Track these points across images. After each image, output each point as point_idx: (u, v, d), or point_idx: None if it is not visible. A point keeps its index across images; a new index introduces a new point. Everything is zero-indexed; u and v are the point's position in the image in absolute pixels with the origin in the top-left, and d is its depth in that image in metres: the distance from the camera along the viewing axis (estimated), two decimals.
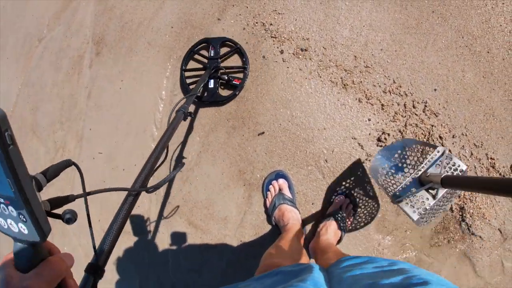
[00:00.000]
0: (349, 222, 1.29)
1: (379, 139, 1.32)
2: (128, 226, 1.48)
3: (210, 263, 1.37)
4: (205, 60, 1.44)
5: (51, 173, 0.41)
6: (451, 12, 1.35)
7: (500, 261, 1.30)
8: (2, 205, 0.36)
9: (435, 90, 1.33)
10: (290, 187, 1.29)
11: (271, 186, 1.29)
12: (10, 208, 0.35)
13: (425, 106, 1.32)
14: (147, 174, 0.64)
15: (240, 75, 1.40)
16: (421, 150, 1.05)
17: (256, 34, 1.41)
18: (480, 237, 1.30)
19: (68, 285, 0.43)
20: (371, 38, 1.36)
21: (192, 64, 1.47)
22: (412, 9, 1.36)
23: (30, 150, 1.86)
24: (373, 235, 1.35)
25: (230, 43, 1.42)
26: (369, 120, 1.32)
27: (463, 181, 0.78)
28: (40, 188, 0.38)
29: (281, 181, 1.28)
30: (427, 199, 0.95)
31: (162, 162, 0.74)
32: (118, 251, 1.52)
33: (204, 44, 1.45)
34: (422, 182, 0.96)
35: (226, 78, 1.38)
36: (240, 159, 1.35)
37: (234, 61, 1.44)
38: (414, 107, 1.32)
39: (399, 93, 1.33)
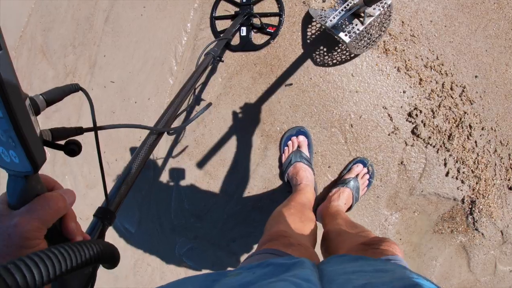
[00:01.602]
0: (362, 192, 1.24)
1: (409, 114, 1.25)
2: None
3: (213, 211, 1.32)
4: (237, 8, 1.34)
5: (53, 95, 0.35)
6: (508, 1, 1.25)
7: (494, 261, 1.32)
8: None
9: (476, 77, 1.25)
10: (309, 146, 1.22)
11: (290, 141, 1.22)
12: (0, 133, 0.29)
13: (463, 91, 1.25)
14: (171, 115, 0.60)
15: (275, 22, 1.29)
16: None
17: None
18: (482, 234, 1.30)
19: (68, 227, 0.37)
20: (422, 7, 1.26)
21: (223, 11, 1.37)
22: None
23: (38, 72, 1.77)
24: (382, 209, 1.31)
25: None
26: (404, 92, 1.24)
27: None
28: (37, 112, 0.33)
29: (301, 138, 1.21)
30: (357, 25, 1.08)
31: (188, 106, 0.69)
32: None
33: None
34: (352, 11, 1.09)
35: (260, 25, 1.28)
36: (262, 108, 1.26)
37: (269, 6, 1.33)
38: (451, 89, 1.25)
39: (440, 71, 1.25)
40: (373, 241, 0.72)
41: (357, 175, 1.21)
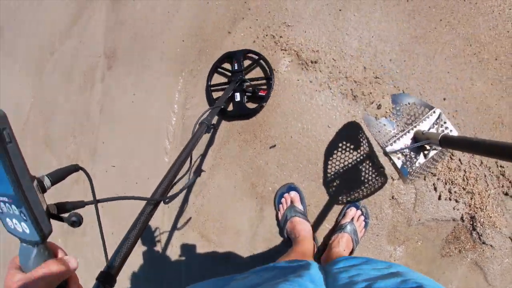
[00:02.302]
0: (361, 234, 1.29)
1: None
2: (141, 237, 1.50)
3: (222, 276, 1.39)
4: (229, 74, 1.45)
5: (56, 175, 0.42)
6: (458, 20, 1.33)
7: (511, 269, 1.30)
8: (6, 204, 0.37)
9: (444, 99, 1.32)
10: (301, 200, 1.30)
11: (283, 199, 1.30)
12: (13, 207, 0.36)
13: None
14: (168, 184, 0.64)
15: (265, 86, 1.40)
16: (417, 107, 1.05)
17: (267, 47, 1.42)
18: (491, 245, 1.29)
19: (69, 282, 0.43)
20: (380, 49, 1.36)
21: (217, 79, 1.48)
22: (420, 18, 1.36)
23: (43, 163, 1.90)
24: (384, 246, 1.35)
25: (253, 55, 1.42)
26: (379, 132, 1.32)
27: (462, 142, 0.79)
28: (43, 190, 0.39)
29: (293, 193, 1.29)
30: (418, 157, 0.97)
31: (186, 173, 0.75)
32: (129, 260, 1.54)
33: (227, 58, 1.46)
34: (416, 140, 0.97)
35: (252, 90, 1.38)
36: (252, 172, 1.36)
37: (258, 72, 1.45)
38: None
39: None
40: None
41: (352, 219, 1.27)
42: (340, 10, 1.39)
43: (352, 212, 1.28)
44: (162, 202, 0.61)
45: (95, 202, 0.45)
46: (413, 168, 0.96)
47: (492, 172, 1.29)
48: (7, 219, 0.39)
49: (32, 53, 2.16)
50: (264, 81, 1.41)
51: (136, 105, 1.58)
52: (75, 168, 0.45)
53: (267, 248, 1.34)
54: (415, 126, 0.99)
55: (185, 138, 1.46)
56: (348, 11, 1.38)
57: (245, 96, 1.39)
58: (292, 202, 1.28)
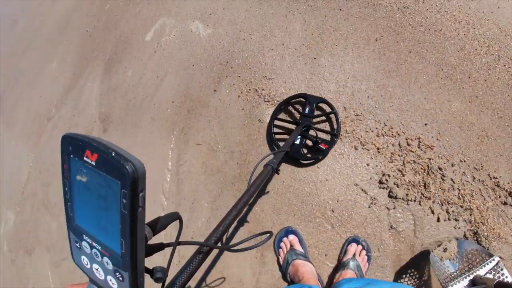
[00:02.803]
0: (365, 269, 1.29)
1: (380, 182, 1.36)
2: None
3: None
4: (297, 116, 1.43)
5: (160, 226, 0.38)
6: (426, 48, 1.43)
7: None
8: (95, 251, 0.32)
9: (425, 124, 1.38)
10: (301, 242, 1.32)
11: (282, 243, 1.32)
12: (106, 260, 0.32)
13: (419, 141, 1.36)
14: (224, 229, 0.60)
15: (327, 139, 1.38)
16: (478, 254, 1.17)
17: (251, 100, 1.52)
18: (500, 257, 1.26)
19: None
20: (356, 88, 1.45)
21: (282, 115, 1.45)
22: (390, 53, 1.46)
23: (43, 225, 1.92)
24: (390, 277, 1.34)
25: (327, 105, 1.40)
26: (368, 165, 1.37)
27: None
28: (147, 239, 0.35)
29: (291, 237, 1.31)
30: None
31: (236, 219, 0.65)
32: None
33: (300, 99, 1.43)
34: (474, 283, 1.09)
35: (314, 139, 1.34)
36: (249, 220, 1.39)
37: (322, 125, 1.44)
38: (408, 144, 1.37)
39: (392, 134, 1.39)
40: None
41: (354, 255, 1.28)
42: (314, 58, 1.50)
43: (353, 247, 1.29)
44: (227, 250, 0.57)
45: (176, 244, 0.42)
46: None
47: (487, 185, 1.31)
48: (83, 258, 0.34)
49: (30, 120, 2.27)
50: (327, 135, 1.40)
51: None
52: (177, 217, 0.41)
53: None
54: (475, 271, 1.11)
55: (180, 195, 1.50)
56: (322, 58, 1.50)
57: (305, 142, 1.37)
58: (291, 245, 1.30)
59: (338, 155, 1.38)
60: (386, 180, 1.35)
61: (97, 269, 0.34)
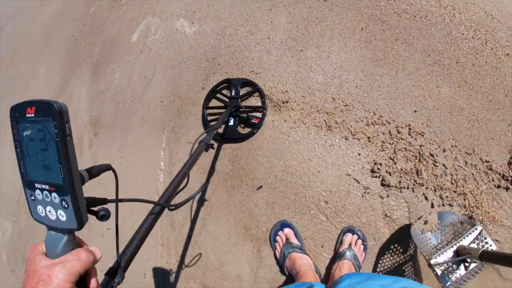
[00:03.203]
0: (361, 258, 1.30)
1: (372, 171, 1.36)
2: None
3: None
4: (227, 100, 1.53)
5: (94, 171, 0.46)
6: (413, 35, 1.43)
7: None
8: (45, 192, 0.40)
9: (415, 111, 1.38)
10: (296, 235, 1.32)
11: (277, 237, 1.32)
12: (54, 194, 0.39)
13: (410, 129, 1.37)
14: (170, 194, 0.70)
15: (259, 115, 1.48)
16: (460, 224, 1.16)
17: (248, 93, 1.50)
18: (497, 240, 1.28)
19: (90, 282, 0.44)
20: (344, 78, 1.45)
21: (214, 103, 1.56)
22: (376, 42, 1.46)
23: (39, 234, 1.92)
24: (386, 266, 1.35)
25: (250, 85, 1.50)
26: (359, 154, 1.37)
27: (501, 257, 0.91)
28: (83, 182, 0.42)
29: (287, 230, 1.32)
30: (460, 269, 1.08)
31: (184, 187, 0.79)
32: None
33: (225, 84, 1.54)
34: (458, 253, 1.08)
35: (246, 116, 1.46)
36: (244, 215, 1.39)
37: (253, 102, 1.52)
38: (399, 132, 1.37)
39: (382, 123, 1.39)
40: None
41: (350, 245, 1.28)
42: (301, 50, 1.49)
43: (349, 237, 1.29)
44: (167, 208, 0.67)
45: (117, 200, 0.49)
46: (454, 279, 1.06)
47: (479, 169, 1.31)
48: (39, 207, 0.41)
49: None
50: (258, 110, 1.49)
51: (125, 167, 1.64)
52: (108, 167, 0.49)
53: None
54: (458, 242, 1.11)
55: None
56: (308, 50, 1.49)
57: (238, 122, 1.47)
58: (287, 238, 1.30)
59: (329, 146, 1.38)
60: (378, 168, 1.36)
61: (49, 211, 0.41)
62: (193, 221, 1.45)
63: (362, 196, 1.35)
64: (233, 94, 1.49)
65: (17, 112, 0.40)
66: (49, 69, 2.33)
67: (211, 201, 1.43)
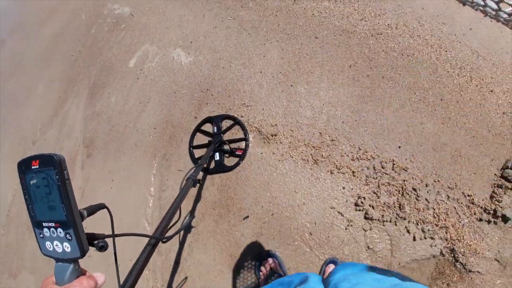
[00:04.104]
0: None
1: (356, 204, 1.40)
2: None
3: None
4: (210, 137, 1.60)
5: (90, 210, 0.52)
6: (399, 73, 1.49)
7: None
8: (51, 229, 0.47)
9: (399, 147, 1.43)
10: (280, 265, 1.35)
11: (262, 267, 1.35)
12: (59, 230, 0.46)
13: (393, 164, 1.42)
14: (163, 227, 0.78)
15: (242, 145, 1.55)
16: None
17: (229, 127, 1.57)
18: (479, 272, 1.29)
19: None
20: (332, 114, 1.51)
21: (199, 140, 1.63)
22: (364, 79, 1.53)
23: (28, 247, 1.90)
24: None
25: (230, 119, 1.58)
26: (344, 188, 1.42)
27: None
28: (82, 219, 0.49)
29: (271, 260, 1.34)
30: None
31: (177, 221, 0.85)
32: None
33: (207, 123, 1.61)
34: None
35: (230, 150, 1.53)
36: (230, 244, 1.42)
37: (235, 133, 1.58)
38: (383, 167, 1.42)
39: (366, 158, 1.44)
40: None
41: None
42: (291, 85, 1.56)
43: (331, 268, 1.32)
44: (161, 241, 0.74)
45: (113, 235, 0.56)
46: None
47: (461, 203, 1.34)
48: (47, 243, 0.48)
49: (16, 142, 2.27)
50: (241, 140, 1.56)
51: (115, 190, 1.66)
52: (102, 206, 0.56)
53: None
54: None
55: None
56: (298, 85, 1.56)
57: (224, 156, 1.54)
58: (271, 268, 1.33)
59: (315, 179, 1.43)
60: (362, 202, 1.40)
61: (56, 245, 0.48)
62: (180, 247, 1.47)
63: (346, 229, 1.39)
64: (215, 131, 1.57)
65: (24, 166, 0.48)
66: (47, 86, 2.37)
67: (198, 228, 1.46)
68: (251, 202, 1.43)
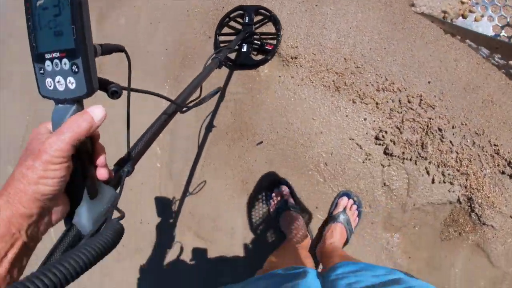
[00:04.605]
0: (354, 224, 1.30)
1: (377, 138, 1.33)
2: (139, 243, 1.52)
3: (222, 274, 1.40)
4: (239, 27, 1.48)
5: (106, 47, 0.43)
6: None
7: None
8: (55, 61, 0.38)
9: (429, 82, 1.32)
10: (292, 194, 1.31)
11: (273, 194, 1.32)
12: (64, 60, 0.37)
13: (421, 99, 1.32)
14: (186, 96, 0.71)
15: (273, 42, 1.43)
16: None
17: (262, 21, 1.43)
18: (492, 226, 1.27)
19: (96, 147, 0.41)
20: (359, 39, 1.38)
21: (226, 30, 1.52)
22: (397, 4, 1.38)
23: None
24: (381, 234, 1.35)
25: (265, 12, 1.44)
26: (365, 119, 1.33)
27: None
28: (95, 53, 0.40)
29: (283, 188, 1.31)
30: None
31: (198, 98, 0.75)
32: (131, 268, 1.56)
33: (239, 12, 1.48)
34: None
35: (259, 43, 1.41)
36: (242, 169, 1.38)
37: (268, 29, 1.46)
38: (409, 102, 1.32)
39: (393, 90, 1.34)
40: None
41: (344, 209, 1.27)
42: (316, 5, 1.41)
43: (344, 201, 1.29)
44: (180, 109, 0.66)
45: (129, 89, 0.47)
46: None
47: (486, 152, 1.27)
48: (48, 80, 0.39)
49: (25, 75, 2.22)
50: (273, 37, 1.44)
51: (122, 118, 1.61)
52: (120, 49, 0.46)
53: (263, 243, 1.35)
54: None
55: (174, 144, 1.49)
56: (324, 6, 1.41)
57: (252, 48, 1.43)
58: (282, 196, 1.29)
59: (335, 107, 1.34)
60: (383, 136, 1.32)
61: (58, 81, 0.38)
62: (191, 172, 1.45)
63: (363, 162, 1.32)
64: (246, 21, 1.43)
65: None
66: None
67: (210, 152, 1.42)
68: (265, 127, 1.36)
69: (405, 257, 1.36)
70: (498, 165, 1.28)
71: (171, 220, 1.46)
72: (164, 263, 1.47)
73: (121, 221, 0.40)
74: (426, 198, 1.31)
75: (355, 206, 1.29)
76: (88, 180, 0.41)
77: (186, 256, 1.44)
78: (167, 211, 1.47)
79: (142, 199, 1.50)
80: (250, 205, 1.37)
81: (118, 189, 0.46)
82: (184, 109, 0.66)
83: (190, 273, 1.45)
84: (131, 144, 0.54)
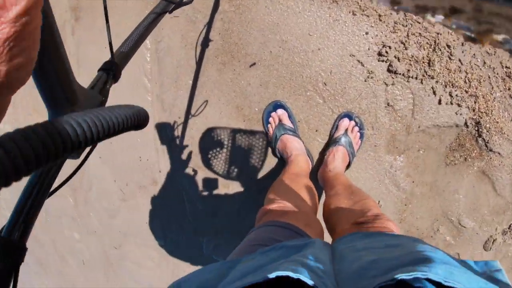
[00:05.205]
0: (356, 146, 1.24)
1: (379, 54, 1.23)
2: (141, 181, 1.50)
3: (224, 205, 1.38)
4: None
5: None
6: None
7: None
8: None
9: None
10: (290, 116, 1.24)
11: (270, 118, 1.25)
12: None
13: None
14: None
15: None
16: None
17: None
18: (499, 153, 1.22)
19: None
20: None
21: None
22: None
23: None
24: (384, 156, 1.30)
25: None
26: (367, 33, 1.22)
27: None
28: None
29: (280, 111, 1.23)
30: None
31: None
32: (135, 207, 1.55)
33: None
34: None
35: None
36: (235, 95, 1.29)
37: None
38: (416, 14, 1.21)
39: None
40: (366, 219, 0.72)
41: (346, 131, 1.21)
42: None
43: (345, 123, 1.22)
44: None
45: None
46: None
47: (497, 74, 1.19)
48: None
49: None
50: None
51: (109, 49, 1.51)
52: None
53: (263, 170, 1.31)
54: None
55: (162, 72, 1.39)
56: None
57: None
58: (280, 120, 1.22)
59: (333, 20, 1.22)
60: (387, 52, 1.22)
61: None
62: (184, 102, 1.37)
63: (365, 81, 1.24)
64: None
65: None
66: None
67: (200, 79, 1.32)
68: (257, 47, 1.25)
69: (409, 181, 1.33)
70: (509, 89, 1.20)
71: (169, 154, 1.41)
72: (167, 199, 1.46)
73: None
74: (432, 120, 1.24)
75: (357, 128, 1.23)
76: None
77: (188, 189, 1.42)
78: (163, 147, 1.42)
79: (138, 136, 1.45)
80: (248, 131, 1.31)
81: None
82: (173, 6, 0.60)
83: (193, 205, 1.44)
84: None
